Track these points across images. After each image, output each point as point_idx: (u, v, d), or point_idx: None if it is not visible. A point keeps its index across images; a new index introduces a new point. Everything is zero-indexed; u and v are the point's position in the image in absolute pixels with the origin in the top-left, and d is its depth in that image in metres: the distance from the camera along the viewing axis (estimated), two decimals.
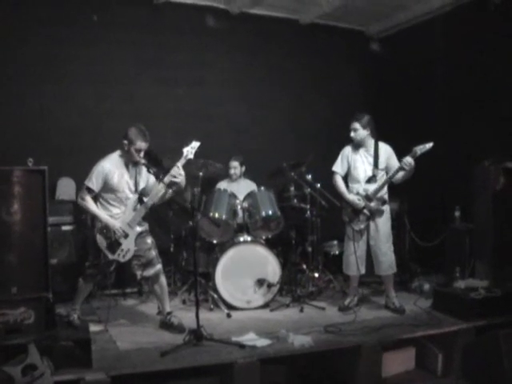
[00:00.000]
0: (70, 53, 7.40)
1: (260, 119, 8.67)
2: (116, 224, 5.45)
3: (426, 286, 7.11)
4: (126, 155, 5.52)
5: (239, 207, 6.85)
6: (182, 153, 5.54)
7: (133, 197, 5.59)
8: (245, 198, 6.92)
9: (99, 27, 7.57)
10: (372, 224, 6.37)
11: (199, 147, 5.62)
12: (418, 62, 8.45)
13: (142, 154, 5.50)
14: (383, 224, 6.38)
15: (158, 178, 5.48)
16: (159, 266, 5.71)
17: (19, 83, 7.11)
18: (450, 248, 7.34)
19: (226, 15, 8.39)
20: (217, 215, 6.68)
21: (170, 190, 5.55)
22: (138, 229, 5.59)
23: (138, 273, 5.69)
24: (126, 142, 5.44)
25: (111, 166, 5.48)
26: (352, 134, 6.40)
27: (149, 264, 5.65)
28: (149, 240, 5.71)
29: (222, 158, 7.42)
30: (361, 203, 6.32)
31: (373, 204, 6.28)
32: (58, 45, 7.33)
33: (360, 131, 6.35)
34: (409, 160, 6.03)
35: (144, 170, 5.63)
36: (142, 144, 5.45)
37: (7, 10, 7.00)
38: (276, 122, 8.75)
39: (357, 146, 6.47)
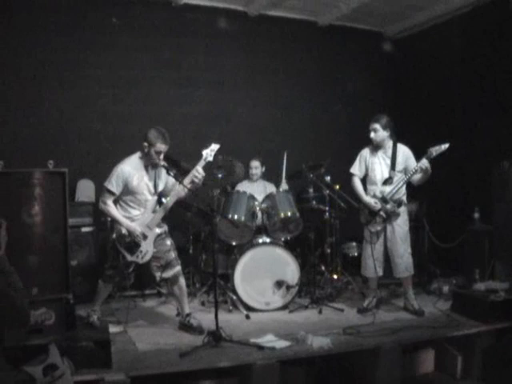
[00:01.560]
0: (88, 56, 7.47)
1: (278, 121, 8.68)
2: (137, 229, 5.46)
3: (446, 288, 7.07)
4: (145, 157, 5.52)
5: (258, 209, 6.86)
6: (201, 155, 5.56)
7: (152, 199, 5.61)
8: (264, 200, 6.93)
9: (118, 31, 7.63)
10: (389, 226, 6.35)
11: (219, 148, 5.64)
12: (435, 63, 8.42)
13: (161, 156, 5.49)
14: (400, 226, 6.35)
15: (178, 180, 5.50)
16: (178, 268, 5.72)
17: (39, 87, 7.19)
18: (470, 249, 7.30)
19: (245, 17, 8.42)
20: (236, 217, 6.68)
21: (188, 191, 5.57)
22: (157, 230, 5.61)
23: (157, 274, 5.69)
24: (145, 144, 5.43)
25: (131, 169, 5.48)
26: (372, 135, 6.38)
27: (168, 266, 5.66)
28: (168, 242, 5.72)
29: (241, 159, 7.42)
30: (377, 205, 6.30)
31: (389, 206, 6.26)
32: (76, 49, 7.40)
33: (380, 132, 6.33)
34: (424, 163, 6.01)
35: (163, 171, 5.64)
36: (161, 146, 5.43)
37: (26, 15, 7.07)
38: (294, 123, 8.76)
39: (375, 147, 6.45)
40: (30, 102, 7.15)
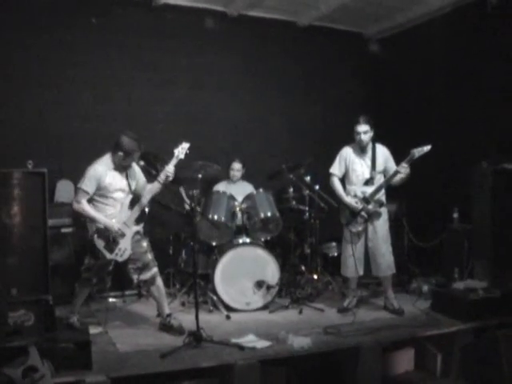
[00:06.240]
0: (68, 56, 7.40)
1: (259, 121, 8.66)
2: (115, 225, 5.47)
3: (425, 287, 7.10)
4: (117, 160, 5.55)
5: (238, 209, 6.86)
6: (173, 153, 5.58)
7: (127, 197, 5.65)
8: (244, 200, 6.93)
9: (98, 30, 7.56)
10: (370, 226, 6.37)
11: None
12: (416, 64, 8.46)
13: (136, 161, 5.65)
14: (381, 226, 6.39)
15: (154, 178, 5.57)
16: (155, 269, 5.71)
17: (19, 86, 7.12)
18: (449, 249, 7.35)
19: (225, 17, 8.38)
20: (216, 217, 6.68)
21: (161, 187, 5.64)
22: (134, 228, 5.62)
23: (135, 277, 5.68)
24: (121, 153, 5.47)
25: (103, 168, 5.50)
26: (362, 137, 6.32)
27: (145, 268, 5.65)
28: (144, 243, 5.72)
29: (221, 159, 7.44)
30: (358, 206, 6.32)
31: (370, 206, 6.29)
32: (56, 48, 7.32)
33: (369, 133, 6.32)
34: (405, 165, 6.05)
35: (134, 170, 5.75)
36: (137, 154, 5.59)
37: (6, 14, 7.00)
38: (274, 123, 8.75)
39: (356, 147, 6.47)
40: (9, 102, 7.08)
